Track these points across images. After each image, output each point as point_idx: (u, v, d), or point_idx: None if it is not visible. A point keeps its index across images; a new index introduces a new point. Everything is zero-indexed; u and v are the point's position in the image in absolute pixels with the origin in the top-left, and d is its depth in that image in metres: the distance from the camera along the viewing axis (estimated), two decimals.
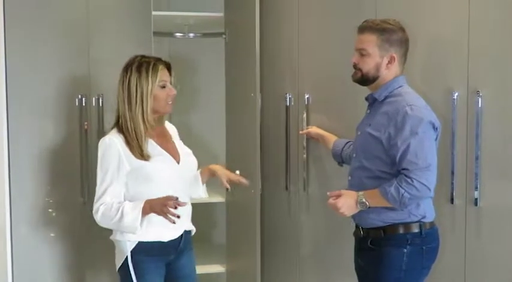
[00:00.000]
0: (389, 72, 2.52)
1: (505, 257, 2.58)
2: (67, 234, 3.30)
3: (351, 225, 2.67)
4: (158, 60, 2.71)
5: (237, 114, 3.73)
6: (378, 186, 2.46)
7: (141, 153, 2.63)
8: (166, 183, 2.68)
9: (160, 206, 2.53)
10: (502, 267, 2.60)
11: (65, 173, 3.28)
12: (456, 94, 2.64)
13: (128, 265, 2.67)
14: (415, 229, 2.47)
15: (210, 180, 2.93)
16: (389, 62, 2.51)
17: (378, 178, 2.48)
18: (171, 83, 2.74)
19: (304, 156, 3.31)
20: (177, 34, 4.06)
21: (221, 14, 3.81)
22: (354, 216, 2.57)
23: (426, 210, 2.49)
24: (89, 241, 3.33)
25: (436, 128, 2.46)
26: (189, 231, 2.85)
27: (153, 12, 3.43)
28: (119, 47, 3.35)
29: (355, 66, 2.56)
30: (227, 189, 2.84)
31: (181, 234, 2.77)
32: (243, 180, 2.83)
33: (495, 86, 2.56)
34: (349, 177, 2.63)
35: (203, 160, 2.99)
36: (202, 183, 2.88)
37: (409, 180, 2.37)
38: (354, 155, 2.61)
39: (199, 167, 2.92)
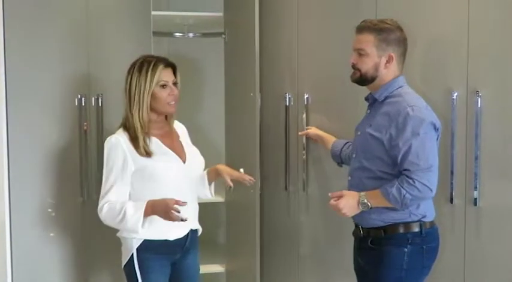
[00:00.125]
0: (388, 72, 2.52)
1: (504, 257, 2.58)
2: (66, 234, 3.30)
3: (352, 224, 2.67)
4: (161, 60, 2.72)
5: (236, 114, 3.73)
6: (378, 187, 2.46)
7: (142, 150, 2.65)
8: (172, 182, 2.70)
9: (164, 213, 2.56)
10: (501, 267, 2.60)
11: (65, 173, 3.27)
12: (456, 94, 2.64)
13: (134, 262, 2.68)
14: (416, 228, 2.47)
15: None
16: (388, 62, 2.51)
17: (379, 179, 2.48)
18: (175, 84, 2.74)
19: (304, 156, 3.31)
20: (177, 34, 4.06)
21: (221, 14, 3.81)
22: (354, 216, 2.57)
23: (426, 210, 2.49)
24: (89, 241, 3.33)
25: (437, 129, 2.46)
26: (196, 231, 2.86)
27: (153, 12, 3.43)
28: (119, 46, 3.36)
29: (353, 66, 2.56)
30: (230, 187, 2.84)
31: (188, 233, 2.78)
32: (246, 178, 2.85)
33: (495, 86, 2.56)
34: (349, 178, 2.63)
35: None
36: (209, 183, 2.90)
37: (410, 181, 2.37)
38: (354, 155, 2.61)
39: None
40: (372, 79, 2.54)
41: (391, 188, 2.40)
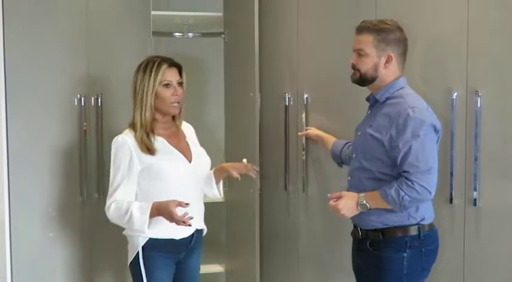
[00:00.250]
0: (388, 72, 2.52)
1: (504, 257, 2.58)
2: (66, 233, 3.30)
3: (351, 224, 2.67)
4: (166, 59, 2.75)
5: (236, 113, 3.73)
6: (377, 188, 2.46)
7: (145, 147, 2.68)
8: (178, 181, 2.73)
9: (169, 217, 2.59)
10: (501, 267, 2.59)
11: (64, 172, 3.27)
12: (455, 94, 2.64)
13: (139, 260, 2.71)
14: (414, 232, 2.47)
15: None
16: (387, 62, 2.50)
17: (378, 180, 2.48)
18: (181, 84, 2.76)
19: (304, 156, 3.30)
20: (176, 34, 4.06)
21: (220, 14, 3.81)
22: (353, 217, 2.56)
23: (425, 212, 2.49)
24: (89, 240, 3.33)
25: (438, 131, 2.45)
26: (201, 230, 2.89)
27: (152, 12, 3.43)
28: (118, 46, 3.36)
29: (353, 66, 2.56)
30: (237, 179, 2.88)
31: (193, 233, 2.80)
32: (250, 168, 2.89)
33: (494, 86, 2.56)
34: (349, 178, 2.63)
35: None
36: (217, 183, 2.93)
37: (409, 183, 2.36)
38: (354, 156, 2.61)
39: None
40: (372, 79, 2.53)
41: (389, 190, 2.40)
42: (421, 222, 2.48)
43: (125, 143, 2.69)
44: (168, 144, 2.76)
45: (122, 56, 3.37)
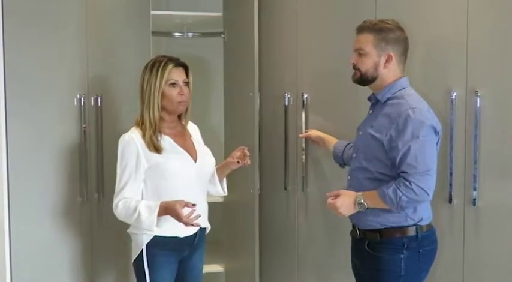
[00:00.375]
0: (388, 71, 2.51)
1: (503, 257, 2.59)
2: (66, 233, 3.30)
3: (350, 224, 2.67)
4: (172, 59, 2.78)
5: (235, 113, 3.73)
6: (376, 188, 2.46)
7: (153, 146, 2.71)
8: (184, 180, 2.75)
9: (177, 218, 2.62)
10: (500, 267, 2.60)
11: (64, 172, 3.27)
12: (455, 94, 2.64)
13: (143, 258, 2.73)
14: (412, 232, 2.47)
15: None
16: (387, 61, 2.50)
17: (377, 180, 2.48)
18: (187, 84, 2.79)
19: (303, 156, 3.30)
20: (176, 34, 4.06)
21: (220, 14, 3.81)
22: (351, 217, 2.57)
23: (423, 213, 2.49)
24: (88, 240, 3.33)
25: (438, 132, 2.45)
26: (204, 229, 2.91)
27: (152, 12, 3.43)
28: (118, 46, 3.36)
29: (354, 66, 2.56)
30: (245, 164, 2.89)
31: (197, 231, 2.83)
32: (246, 151, 2.90)
33: (494, 86, 2.56)
34: (348, 177, 2.63)
35: None
36: (220, 180, 2.97)
37: (407, 183, 2.36)
38: (354, 155, 2.61)
39: None
40: (373, 79, 2.53)
41: (387, 190, 2.40)
42: (419, 223, 2.48)
43: (131, 141, 2.72)
44: (174, 143, 2.79)
45: (122, 55, 3.36)
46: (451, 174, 2.66)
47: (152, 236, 2.72)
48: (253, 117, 3.43)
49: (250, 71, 3.42)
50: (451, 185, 2.67)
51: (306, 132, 3.24)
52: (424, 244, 2.49)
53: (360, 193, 2.48)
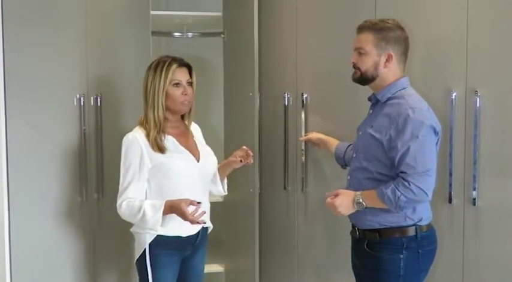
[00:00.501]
0: (389, 71, 2.51)
1: (503, 257, 2.59)
2: (65, 233, 3.29)
3: (350, 223, 2.67)
4: (176, 59, 2.80)
5: (235, 113, 3.74)
6: (375, 188, 2.46)
7: (156, 146, 2.72)
8: (187, 180, 2.77)
9: (182, 216, 2.63)
10: (500, 267, 2.60)
11: (63, 172, 3.27)
12: (454, 94, 2.64)
13: (146, 257, 2.74)
14: (411, 233, 2.46)
15: None
16: (387, 60, 2.50)
17: (377, 180, 2.48)
18: (191, 84, 2.81)
19: (303, 155, 3.30)
20: (176, 34, 4.06)
21: (220, 14, 3.81)
22: (351, 217, 2.57)
23: (423, 213, 2.49)
24: (88, 240, 3.33)
25: (437, 133, 2.45)
26: (206, 228, 2.92)
27: (152, 12, 3.43)
28: (117, 46, 3.36)
29: (354, 65, 2.56)
30: (248, 163, 2.90)
31: (199, 230, 2.84)
32: (250, 156, 2.91)
33: (493, 86, 2.56)
34: (348, 177, 2.63)
35: None
36: (222, 180, 2.98)
37: (406, 183, 2.36)
38: (354, 155, 2.60)
39: None
40: (373, 78, 2.53)
41: (386, 189, 2.40)
42: (419, 223, 2.48)
43: (135, 141, 2.73)
44: (177, 143, 2.80)
45: (121, 55, 3.37)
46: (450, 174, 2.66)
47: (155, 236, 2.73)
48: (253, 117, 3.43)
49: (250, 71, 3.42)
50: (450, 185, 2.67)
51: (306, 135, 3.24)
52: (423, 244, 2.49)
53: (358, 192, 2.49)
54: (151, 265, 2.74)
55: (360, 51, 2.53)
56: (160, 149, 2.73)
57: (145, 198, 2.75)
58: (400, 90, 2.50)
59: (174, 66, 2.76)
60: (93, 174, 3.31)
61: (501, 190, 2.57)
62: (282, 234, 3.52)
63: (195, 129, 2.98)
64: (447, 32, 2.67)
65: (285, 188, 3.44)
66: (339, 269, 3.12)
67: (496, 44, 2.54)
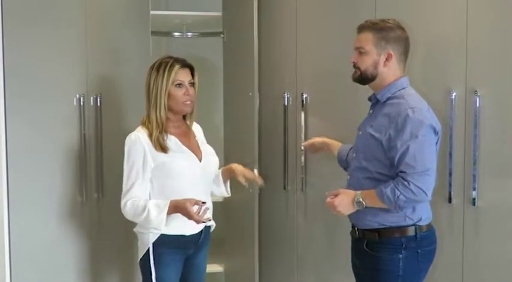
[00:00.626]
0: (388, 70, 2.51)
1: (503, 256, 2.59)
2: (65, 233, 3.29)
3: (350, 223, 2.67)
4: (178, 60, 2.80)
5: (235, 113, 3.74)
6: (375, 187, 2.46)
7: (159, 146, 2.73)
8: (189, 179, 2.78)
9: (187, 216, 2.65)
10: (500, 267, 2.60)
11: (63, 172, 3.27)
12: (454, 94, 2.64)
13: (149, 257, 2.75)
14: (410, 232, 2.46)
15: None
16: (387, 60, 2.49)
17: (376, 180, 2.47)
18: (193, 84, 2.82)
19: (302, 156, 3.31)
20: (175, 33, 4.06)
21: (219, 14, 3.81)
22: (350, 217, 2.57)
23: (422, 213, 2.48)
24: (88, 240, 3.33)
25: (437, 132, 2.44)
26: (209, 227, 2.93)
27: (151, 12, 3.43)
28: (117, 46, 3.36)
29: (354, 65, 2.56)
30: (245, 186, 2.93)
31: (202, 229, 2.85)
32: (259, 181, 2.96)
33: (493, 86, 2.57)
34: (348, 177, 2.63)
35: None
36: (224, 182, 2.98)
37: (405, 183, 2.36)
38: (354, 155, 2.60)
39: None
40: (372, 77, 2.53)
41: (385, 189, 2.40)
42: (418, 223, 2.47)
43: (137, 140, 2.74)
44: (179, 143, 2.81)
45: (121, 55, 3.37)
46: (450, 174, 2.66)
47: (158, 235, 2.74)
48: (252, 117, 3.44)
49: (249, 71, 3.42)
50: (450, 184, 2.67)
51: (303, 141, 3.21)
52: (423, 244, 2.48)
53: (358, 192, 2.48)
54: (154, 264, 2.75)
55: (360, 51, 2.53)
56: (163, 148, 2.74)
57: (149, 198, 2.76)
58: (399, 90, 2.50)
59: (177, 66, 2.77)
60: (93, 174, 3.30)
61: (501, 190, 2.57)
62: (281, 234, 3.52)
63: (196, 129, 2.98)
64: (447, 32, 2.68)
65: (284, 188, 3.44)
66: (338, 269, 3.12)
67: (495, 44, 2.54)
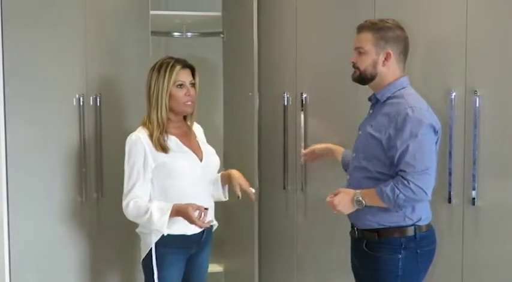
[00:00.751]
0: (387, 70, 2.51)
1: (503, 256, 2.59)
2: (65, 233, 3.29)
3: (349, 224, 2.67)
4: (179, 61, 2.81)
5: (235, 113, 3.74)
6: (375, 187, 2.46)
7: (160, 146, 2.74)
8: (190, 179, 2.79)
9: (189, 221, 2.67)
10: (500, 267, 2.60)
11: (63, 172, 3.26)
12: (454, 94, 2.65)
13: (151, 257, 2.76)
14: (410, 233, 2.46)
15: None
16: (386, 59, 2.49)
17: (376, 179, 2.47)
18: (193, 85, 2.82)
19: (302, 156, 3.31)
20: (175, 33, 4.07)
21: (219, 13, 3.81)
22: (350, 216, 2.57)
23: (422, 213, 2.48)
24: (88, 240, 3.32)
25: (437, 131, 2.44)
26: (211, 226, 2.93)
27: (151, 12, 3.43)
28: (117, 46, 3.36)
29: (353, 65, 2.56)
30: (238, 197, 2.91)
31: (204, 229, 2.84)
32: (252, 196, 2.94)
33: (493, 86, 2.57)
34: (348, 177, 2.63)
35: None
36: (223, 186, 2.98)
37: (405, 182, 2.36)
38: (354, 155, 2.60)
39: None
40: (372, 77, 2.53)
41: (385, 188, 2.40)
42: (418, 223, 2.47)
43: (138, 141, 2.74)
44: (180, 143, 2.82)
45: (121, 55, 3.37)
46: (450, 173, 2.67)
47: (161, 235, 2.75)
48: (252, 116, 3.44)
49: (249, 71, 3.43)
50: (450, 184, 2.67)
51: (303, 150, 3.19)
52: (422, 244, 2.48)
53: (358, 191, 2.48)
54: (157, 264, 2.75)
55: (359, 51, 2.53)
56: (164, 148, 2.74)
57: (150, 198, 2.76)
58: (399, 89, 2.50)
59: (178, 67, 2.78)
60: (93, 174, 3.30)
61: (501, 190, 2.57)
62: (281, 234, 3.53)
63: (197, 129, 2.99)
64: (447, 32, 2.68)
65: (284, 188, 3.44)
66: (338, 269, 3.12)
67: (495, 44, 2.54)
